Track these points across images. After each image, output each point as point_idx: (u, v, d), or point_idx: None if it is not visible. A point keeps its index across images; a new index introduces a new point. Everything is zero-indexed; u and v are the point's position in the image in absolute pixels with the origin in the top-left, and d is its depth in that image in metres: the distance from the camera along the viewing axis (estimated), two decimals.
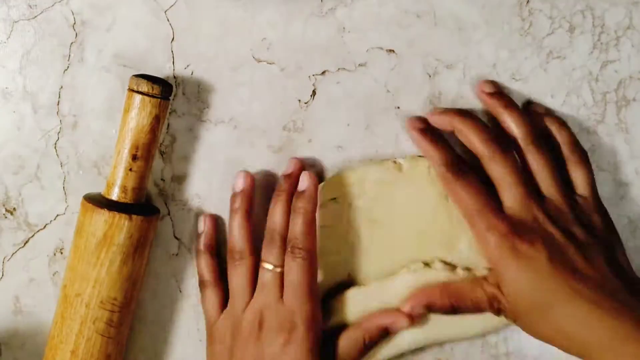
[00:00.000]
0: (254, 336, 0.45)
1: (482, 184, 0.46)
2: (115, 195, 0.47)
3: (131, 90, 0.46)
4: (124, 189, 0.47)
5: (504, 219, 0.45)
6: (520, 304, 0.44)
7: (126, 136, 0.46)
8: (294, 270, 0.45)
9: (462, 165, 0.47)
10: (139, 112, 0.46)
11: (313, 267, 0.46)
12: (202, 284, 0.49)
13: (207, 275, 0.49)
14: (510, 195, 0.46)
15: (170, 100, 0.48)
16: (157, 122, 0.46)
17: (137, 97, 0.46)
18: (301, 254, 0.45)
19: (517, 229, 0.44)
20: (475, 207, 0.45)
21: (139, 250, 0.47)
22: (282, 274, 0.46)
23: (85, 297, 0.46)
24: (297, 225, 0.46)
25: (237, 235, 0.48)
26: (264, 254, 0.47)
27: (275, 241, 0.46)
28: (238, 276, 0.47)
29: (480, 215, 0.45)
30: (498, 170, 0.46)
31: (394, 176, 0.49)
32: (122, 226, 0.45)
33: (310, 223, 0.46)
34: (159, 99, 0.46)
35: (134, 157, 0.46)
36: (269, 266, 0.46)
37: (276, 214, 0.47)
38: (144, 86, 0.46)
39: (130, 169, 0.46)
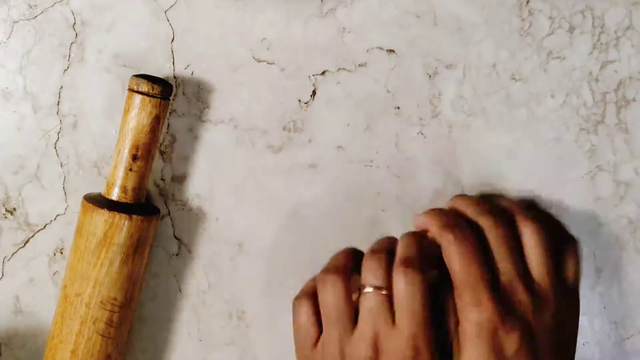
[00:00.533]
0: None
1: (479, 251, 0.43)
2: (115, 195, 0.47)
3: (131, 90, 0.46)
4: (124, 189, 0.47)
5: (493, 298, 0.41)
6: None
7: (126, 136, 0.46)
8: (409, 290, 0.41)
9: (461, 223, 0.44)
10: (139, 112, 0.46)
11: (426, 286, 0.42)
12: (306, 295, 0.45)
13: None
14: (505, 267, 0.43)
15: (171, 100, 0.48)
16: (157, 122, 0.46)
17: (137, 97, 0.46)
18: (414, 268, 0.41)
19: (504, 313, 0.41)
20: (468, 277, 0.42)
21: (139, 250, 0.47)
22: (388, 297, 0.41)
23: (85, 297, 0.46)
24: (408, 238, 0.43)
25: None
26: (366, 274, 0.42)
27: (380, 259, 0.42)
28: (334, 296, 0.42)
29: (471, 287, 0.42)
30: (494, 240, 0.43)
31: None
32: (122, 226, 0.45)
33: (421, 237, 0.43)
34: (159, 99, 0.46)
35: (134, 157, 0.46)
36: (370, 289, 0.42)
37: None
38: (144, 86, 0.46)
39: (131, 169, 0.46)
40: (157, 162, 0.50)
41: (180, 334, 0.51)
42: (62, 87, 0.50)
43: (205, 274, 0.51)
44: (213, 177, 0.51)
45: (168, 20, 0.49)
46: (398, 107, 0.51)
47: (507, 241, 0.43)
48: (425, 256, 0.43)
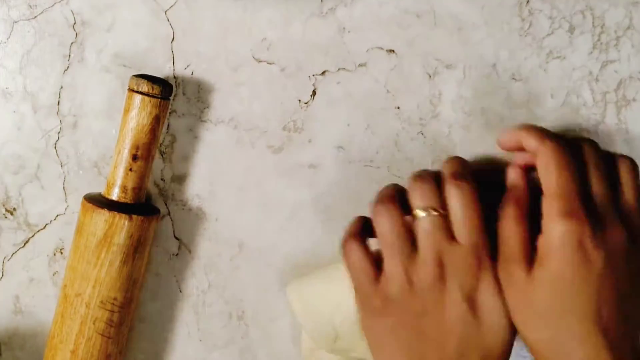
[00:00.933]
0: (437, 289, 0.41)
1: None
2: (115, 195, 0.47)
3: (131, 90, 0.46)
4: (124, 189, 0.47)
5: (585, 210, 0.40)
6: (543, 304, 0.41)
7: (126, 136, 0.46)
8: (464, 201, 0.41)
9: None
10: (139, 112, 0.46)
11: (478, 197, 0.42)
12: (353, 235, 0.44)
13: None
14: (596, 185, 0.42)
15: (171, 100, 0.48)
16: (157, 122, 0.46)
17: (137, 97, 0.46)
18: (466, 181, 0.41)
19: (594, 226, 0.40)
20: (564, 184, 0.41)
21: (139, 250, 0.47)
22: (442, 215, 0.41)
23: (85, 297, 0.46)
24: (453, 160, 0.44)
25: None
26: (415, 198, 0.42)
27: (426, 181, 0.42)
28: (392, 223, 0.42)
29: (563, 196, 0.41)
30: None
31: None
32: (123, 226, 0.45)
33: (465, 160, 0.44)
34: (159, 99, 0.46)
35: (134, 157, 0.46)
36: (423, 213, 0.42)
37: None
38: (144, 86, 0.46)
39: (131, 169, 0.46)
40: (157, 162, 0.50)
41: (180, 334, 0.51)
42: (62, 87, 0.50)
43: (205, 274, 0.51)
44: (213, 177, 0.51)
45: (168, 20, 0.49)
46: (398, 107, 0.51)
47: (604, 167, 0.43)
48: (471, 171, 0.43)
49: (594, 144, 0.44)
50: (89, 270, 0.46)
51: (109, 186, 0.47)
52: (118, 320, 0.47)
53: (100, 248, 0.46)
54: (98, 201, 0.47)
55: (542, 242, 0.41)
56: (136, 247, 0.46)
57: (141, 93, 0.46)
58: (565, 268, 0.40)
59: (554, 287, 0.40)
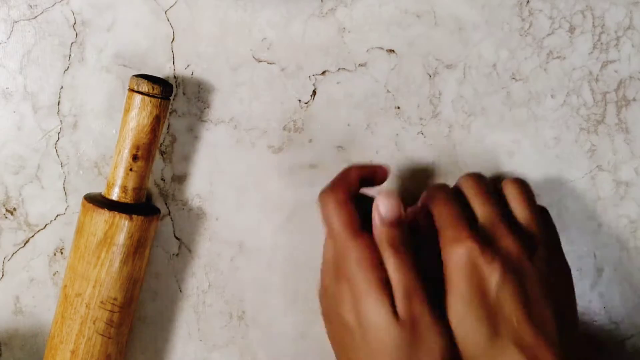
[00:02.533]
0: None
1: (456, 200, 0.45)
2: (115, 195, 0.47)
3: (131, 90, 0.46)
4: (124, 189, 0.47)
5: (471, 232, 0.42)
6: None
7: (126, 136, 0.46)
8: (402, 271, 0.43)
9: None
10: (140, 112, 0.46)
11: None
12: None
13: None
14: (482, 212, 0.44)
15: (171, 100, 0.48)
16: (157, 122, 0.46)
17: (138, 97, 0.46)
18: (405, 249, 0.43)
19: (483, 244, 0.42)
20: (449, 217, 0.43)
21: (139, 250, 0.47)
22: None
23: (85, 297, 0.46)
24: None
25: None
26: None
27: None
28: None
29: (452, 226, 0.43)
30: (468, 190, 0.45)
31: None
32: (123, 226, 0.45)
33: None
34: (159, 99, 0.46)
35: (135, 157, 0.46)
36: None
37: None
38: (145, 86, 0.46)
39: (131, 169, 0.46)
40: (157, 162, 0.50)
41: (180, 334, 0.51)
42: (62, 87, 0.50)
43: (205, 274, 0.51)
44: (213, 177, 0.51)
45: (168, 20, 0.49)
46: (398, 107, 0.51)
47: (484, 189, 0.45)
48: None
49: (477, 179, 0.46)
50: (89, 271, 0.46)
51: (109, 186, 0.47)
52: (118, 320, 0.47)
53: (101, 248, 0.46)
54: (98, 201, 0.47)
55: (445, 272, 0.43)
56: (136, 247, 0.46)
57: (141, 93, 0.46)
58: (466, 288, 0.41)
59: (464, 308, 0.41)
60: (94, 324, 0.46)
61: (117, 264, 0.46)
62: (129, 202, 0.47)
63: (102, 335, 0.46)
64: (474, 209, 0.44)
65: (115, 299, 0.46)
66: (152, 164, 0.48)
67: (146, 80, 0.46)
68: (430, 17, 0.50)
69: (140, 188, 0.47)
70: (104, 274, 0.46)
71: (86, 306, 0.46)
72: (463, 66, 0.50)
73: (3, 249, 0.50)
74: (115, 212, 0.45)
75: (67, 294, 0.47)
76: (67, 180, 0.50)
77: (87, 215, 0.46)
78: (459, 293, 0.41)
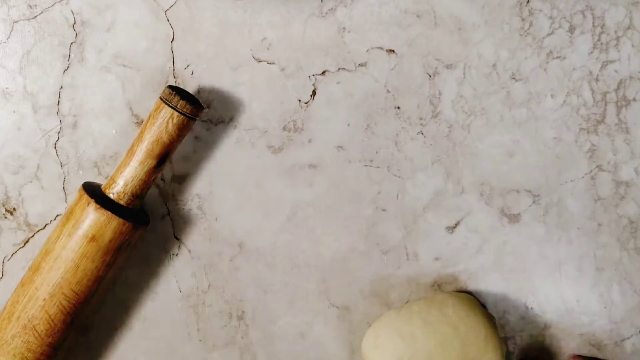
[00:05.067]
0: None
1: None
2: (113, 194, 0.46)
3: (163, 100, 0.46)
4: (123, 191, 0.46)
5: None
6: None
7: (144, 141, 0.46)
8: None
9: None
10: (164, 123, 0.45)
11: None
12: None
13: None
14: None
15: (197, 120, 0.48)
16: (178, 138, 0.46)
17: (166, 109, 0.45)
18: None
19: None
20: None
21: (118, 254, 0.45)
22: None
23: (50, 278, 0.45)
24: None
25: None
26: None
27: None
28: None
29: None
30: None
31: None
32: (109, 226, 0.45)
33: None
34: (186, 118, 0.46)
35: (145, 165, 0.46)
36: None
37: None
38: (176, 101, 0.45)
39: (137, 175, 0.46)
40: None
41: (180, 334, 0.51)
42: (62, 87, 0.50)
43: (205, 274, 0.51)
44: (213, 177, 0.51)
45: (168, 20, 0.49)
46: (398, 107, 0.51)
47: None
48: None
49: None
50: (63, 255, 0.45)
51: (109, 183, 0.46)
52: (72, 312, 0.46)
53: (82, 240, 0.45)
54: (94, 194, 0.46)
55: None
56: (117, 249, 0.45)
57: (171, 107, 0.45)
58: None
59: None
60: (52, 304, 0.45)
61: (94, 259, 0.45)
62: (124, 205, 0.46)
63: (52, 318, 0.45)
64: None
65: (75, 292, 0.45)
66: (159, 175, 0.47)
67: (179, 96, 0.45)
68: (430, 17, 0.50)
69: (139, 196, 0.46)
70: (76, 264, 0.45)
71: (48, 285, 0.45)
72: (463, 66, 0.50)
73: (3, 249, 0.50)
74: (106, 211, 0.44)
75: (36, 265, 0.46)
76: (67, 180, 0.50)
77: (78, 205, 0.45)
78: None
